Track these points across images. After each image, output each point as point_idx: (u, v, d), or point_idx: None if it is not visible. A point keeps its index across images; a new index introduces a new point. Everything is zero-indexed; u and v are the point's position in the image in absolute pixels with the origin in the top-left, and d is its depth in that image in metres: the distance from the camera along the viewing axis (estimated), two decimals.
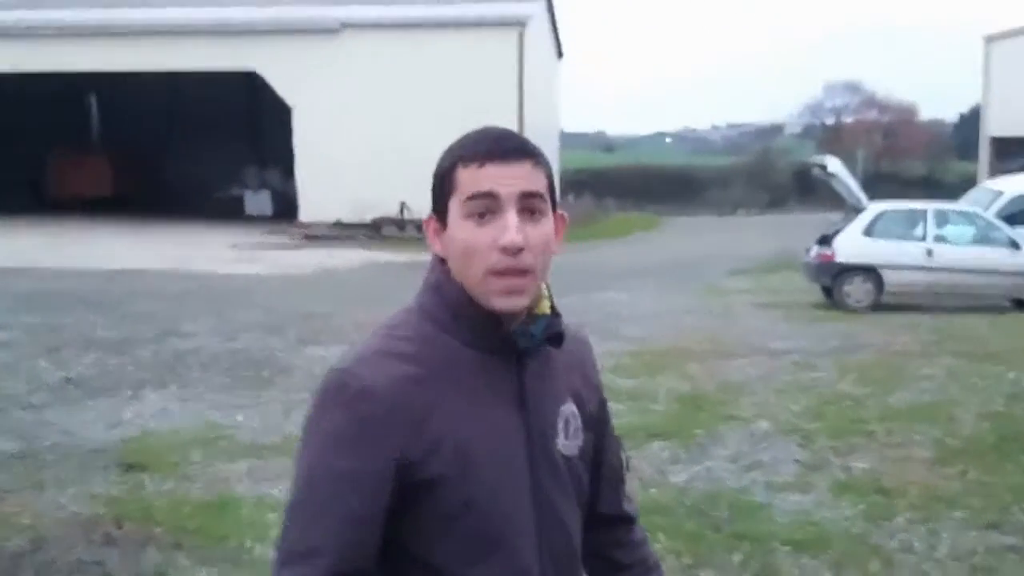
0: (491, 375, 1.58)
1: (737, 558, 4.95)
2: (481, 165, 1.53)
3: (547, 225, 1.56)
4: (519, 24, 27.52)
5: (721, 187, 48.56)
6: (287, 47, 27.57)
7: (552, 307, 1.63)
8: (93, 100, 33.43)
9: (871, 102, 57.51)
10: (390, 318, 1.64)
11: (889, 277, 14.39)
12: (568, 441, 1.65)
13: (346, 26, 27.61)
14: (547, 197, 1.57)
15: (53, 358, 9.69)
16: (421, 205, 25.76)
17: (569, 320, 1.73)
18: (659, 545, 5.06)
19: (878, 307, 14.21)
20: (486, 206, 1.52)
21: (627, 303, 14.59)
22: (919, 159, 53.95)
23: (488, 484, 1.54)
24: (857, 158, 34.23)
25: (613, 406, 6.68)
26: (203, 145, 34.64)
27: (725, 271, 20.12)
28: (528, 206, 1.53)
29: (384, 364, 1.53)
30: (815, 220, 23.43)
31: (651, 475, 6.29)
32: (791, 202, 46.18)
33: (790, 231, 26.00)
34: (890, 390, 8.54)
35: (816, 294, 15.28)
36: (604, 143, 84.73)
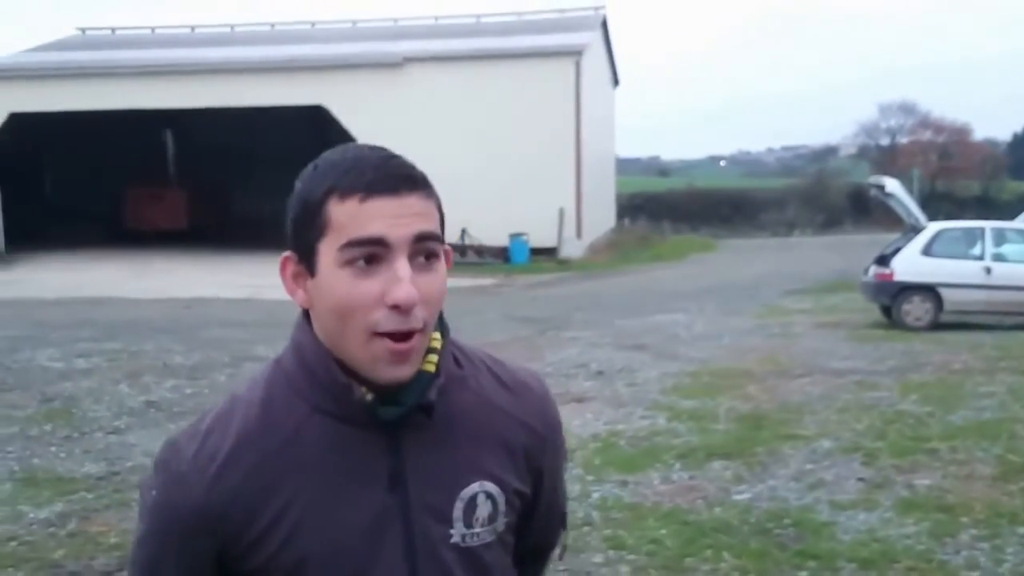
0: (353, 451, 1.24)
1: None
2: (363, 199, 1.17)
3: (441, 270, 1.24)
4: (576, 54, 27.59)
5: (776, 209, 48.21)
6: (352, 82, 27.91)
7: (437, 364, 1.28)
8: (169, 136, 34.08)
9: (925, 122, 56.84)
10: (253, 373, 1.36)
11: (948, 296, 14.15)
12: (471, 529, 1.29)
13: (408, 60, 27.90)
14: (440, 235, 1.24)
15: (134, 383, 9.86)
16: (481, 231, 26.03)
17: (516, 366, 1.44)
18: (725, 564, 5.02)
19: (937, 326, 13.97)
20: (370, 252, 1.17)
21: (685, 324, 14.50)
22: (974, 178, 53.14)
23: None
24: (912, 178, 33.79)
25: (674, 426, 6.67)
26: (274, 177, 34.89)
27: (782, 291, 19.92)
28: (422, 250, 1.20)
29: (207, 439, 1.25)
30: (871, 240, 23.13)
31: (715, 494, 6.23)
32: (846, 223, 45.72)
33: (846, 251, 25.70)
34: (952, 408, 8.40)
35: (875, 313, 15.06)
36: (659, 167, 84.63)
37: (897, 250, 14.74)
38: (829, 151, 66.96)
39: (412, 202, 1.20)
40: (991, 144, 60.13)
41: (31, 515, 5.88)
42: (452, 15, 34.13)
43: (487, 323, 14.45)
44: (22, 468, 6.93)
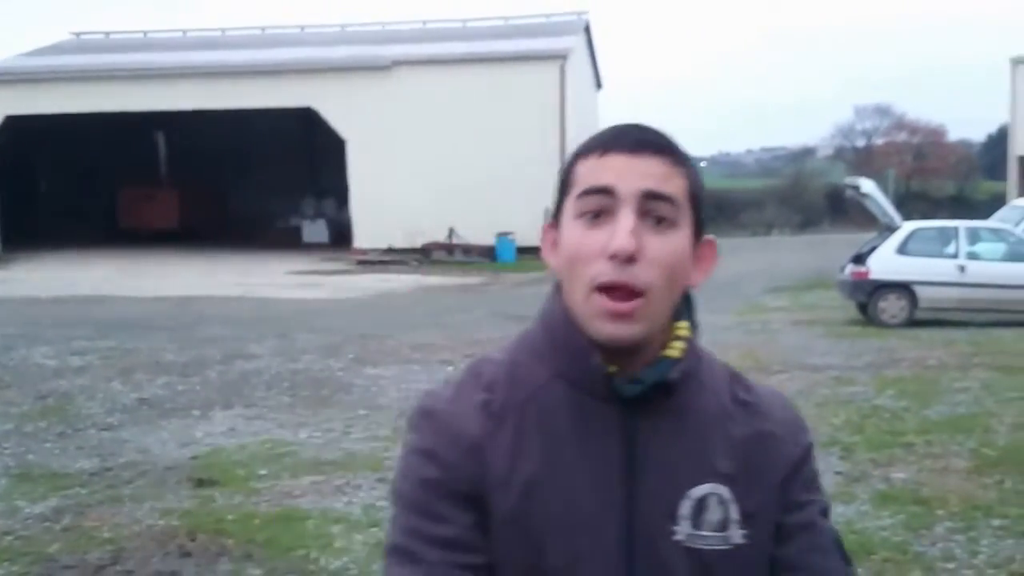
0: (589, 422, 1.20)
1: None
2: (602, 155, 1.18)
3: (677, 240, 1.18)
4: (560, 57, 27.62)
5: (755, 209, 48.31)
6: (342, 85, 27.87)
7: (684, 351, 1.22)
8: (162, 137, 33.99)
9: (901, 124, 57.09)
10: (502, 344, 1.34)
11: (923, 293, 14.21)
12: (699, 531, 1.19)
13: (397, 64, 27.87)
14: (684, 207, 1.18)
15: (127, 380, 9.83)
16: (468, 230, 26.05)
17: (758, 383, 1.34)
18: None
19: (912, 323, 14.03)
20: (600, 204, 1.16)
21: None
22: (948, 179, 53.43)
23: (561, 550, 1.18)
24: (888, 179, 33.92)
25: None
26: (263, 178, 35.13)
27: (762, 289, 19.97)
28: (653, 210, 1.16)
29: (461, 389, 1.25)
30: (847, 239, 23.20)
31: None
32: (824, 223, 45.86)
33: (824, 250, 25.77)
34: (927, 403, 8.43)
35: (852, 311, 15.11)
36: None
37: (873, 249, 14.80)
38: (806, 152, 67.11)
39: (650, 162, 1.17)
40: (965, 145, 60.35)
41: (26, 510, 5.86)
42: (439, 19, 34.09)
43: (475, 320, 14.45)
44: (17, 464, 6.90)
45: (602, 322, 1.16)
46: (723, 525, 1.20)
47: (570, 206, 1.20)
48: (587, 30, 33.39)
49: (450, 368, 10.33)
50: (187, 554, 5.13)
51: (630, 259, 1.13)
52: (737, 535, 1.20)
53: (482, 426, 1.20)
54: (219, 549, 5.19)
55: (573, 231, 1.18)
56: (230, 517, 5.70)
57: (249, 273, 23.35)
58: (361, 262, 26.49)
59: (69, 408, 8.65)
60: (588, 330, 1.17)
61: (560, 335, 1.22)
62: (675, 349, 1.22)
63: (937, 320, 14.17)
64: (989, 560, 4.94)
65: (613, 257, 1.13)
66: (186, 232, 31.88)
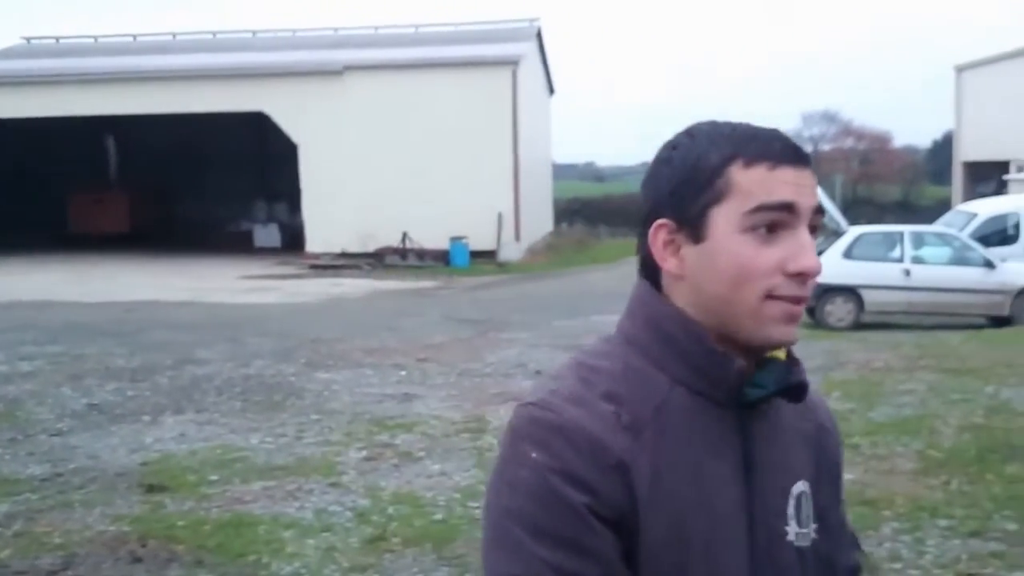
0: (710, 428, 1.19)
1: None
2: (773, 167, 1.16)
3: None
4: (512, 63, 27.67)
5: None
6: (293, 89, 27.70)
7: (789, 352, 1.24)
8: (111, 141, 33.57)
9: (847, 130, 57.96)
10: (586, 349, 1.27)
11: (869, 297, 14.42)
12: (802, 529, 1.24)
13: (348, 68, 27.75)
14: None
15: (77, 386, 9.68)
16: (422, 235, 25.99)
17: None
18: None
19: (859, 326, 14.22)
20: (777, 219, 1.15)
21: None
22: (894, 184, 54.23)
23: (705, 568, 1.16)
24: (835, 184, 34.34)
25: None
26: (215, 182, 34.84)
27: None
28: (814, 223, 1.19)
29: (582, 399, 1.15)
30: None
31: None
32: None
33: None
34: (873, 405, 8.54)
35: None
36: (594, 173, 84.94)
37: (820, 253, 14.95)
38: None
39: (809, 176, 1.18)
40: (911, 151, 61.35)
41: None
42: (391, 25, 33.91)
43: (428, 324, 14.41)
44: None
45: (778, 326, 1.16)
46: (809, 521, 1.25)
47: (731, 219, 1.15)
48: (539, 36, 33.50)
49: (403, 372, 10.31)
50: (138, 560, 5.08)
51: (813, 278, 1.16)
52: (814, 530, 1.25)
53: (622, 441, 1.13)
54: (169, 555, 5.14)
55: (741, 246, 1.15)
56: (181, 523, 5.65)
57: (200, 277, 23.11)
58: (314, 266, 26.32)
59: (19, 414, 8.51)
60: (754, 334, 1.16)
61: (685, 340, 1.19)
62: (781, 353, 1.23)
63: (883, 323, 14.38)
64: (935, 560, 5.01)
65: (799, 275, 1.14)
66: (136, 237, 31.48)
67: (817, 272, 1.15)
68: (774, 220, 1.14)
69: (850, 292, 14.42)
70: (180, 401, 9.10)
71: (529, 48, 30.79)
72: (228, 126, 31.61)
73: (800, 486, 1.24)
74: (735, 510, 1.18)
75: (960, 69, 38.09)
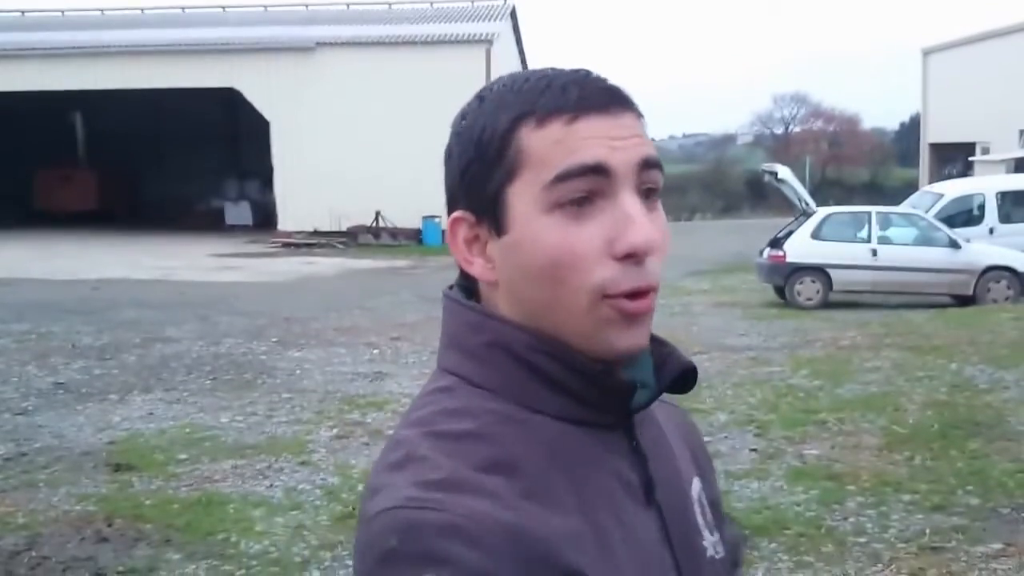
0: (608, 460, 0.92)
1: None
2: (571, 120, 0.86)
3: (662, 213, 0.92)
4: (486, 42, 27.54)
5: (678, 194, 48.77)
6: (265, 65, 27.44)
7: (652, 334, 0.94)
8: (79, 117, 33.14)
9: (817, 112, 58.26)
10: (425, 413, 0.92)
11: (837, 276, 14.49)
12: (713, 537, 1.01)
13: (321, 45, 27.54)
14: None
15: (43, 365, 9.58)
16: (394, 213, 25.82)
17: None
18: None
19: (827, 305, 14.30)
20: (589, 187, 0.86)
21: None
22: (863, 166, 54.59)
23: None
24: (804, 165, 34.51)
25: None
26: (185, 159, 34.50)
27: (683, 272, 20.16)
28: (646, 182, 0.89)
29: (462, 480, 0.83)
30: (767, 225, 23.56)
31: None
32: (744, 208, 46.50)
33: (743, 235, 26.14)
34: (840, 382, 8.60)
35: (769, 293, 15.36)
36: None
37: (789, 233, 15.07)
38: (727, 139, 68.05)
39: (628, 121, 0.89)
40: (879, 133, 61.73)
41: None
42: (364, 1, 33.61)
43: (401, 303, 14.38)
44: None
45: (618, 332, 0.88)
46: (712, 524, 1.03)
47: (529, 198, 0.87)
48: (513, 15, 33.33)
49: (375, 351, 10.27)
50: (104, 539, 5.03)
51: (647, 255, 0.87)
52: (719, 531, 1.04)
53: (533, 518, 0.83)
54: (137, 534, 5.10)
55: (548, 230, 0.86)
56: (148, 502, 5.60)
57: (170, 256, 22.91)
58: (286, 245, 26.18)
59: None
60: (593, 346, 0.88)
61: (548, 365, 0.89)
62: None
63: (851, 302, 14.48)
64: (899, 534, 5.06)
65: (629, 257, 0.86)
66: (104, 214, 31.17)
67: (652, 246, 0.86)
68: (586, 189, 0.85)
69: (819, 271, 14.49)
70: (148, 380, 9.02)
71: (503, 27, 30.64)
72: (199, 102, 31.28)
73: (696, 486, 1.02)
74: (660, 546, 0.93)
75: (927, 52, 38.30)
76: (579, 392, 0.89)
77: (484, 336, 0.92)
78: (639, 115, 0.91)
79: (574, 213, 0.86)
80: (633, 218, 0.85)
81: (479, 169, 0.90)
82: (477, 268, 0.92)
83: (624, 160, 0.86)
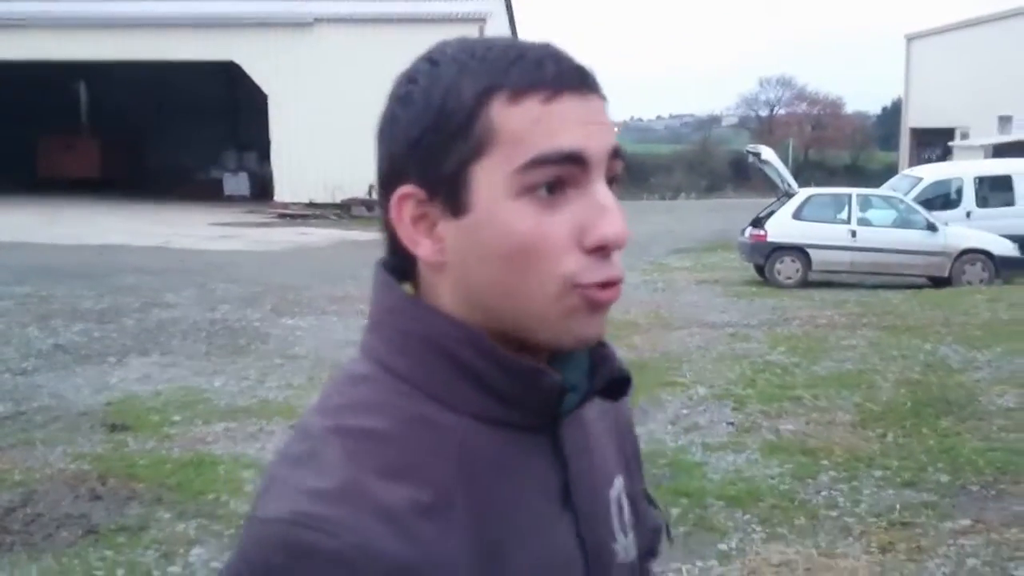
0: (527, 465, 0.85)
1: (675, 512, 4.97)
2: (548, 100, 0.79)
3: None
4: (480, 20, 27.38)
5: (664, 174, 48.69)
6: (264, 39, 27.26)
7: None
8: (82, 87, 32.86)
9: (801, 96, 58.01)
10: (339, 399, 0.84)
11: (816, 256, 14.50)
12: (626, 539, 0.94)
13: (319, 20, 27.35)
14: None
15: (43, 327, 9.52)
16: None
17: None
18: None
19: (806, 284, 14.31)
20: (561, 174, 0.79)
21: None
22: (845, 149, 54.51)
23: None
24: (788, 147, 34.46)
25: None
26: (185, 130, 34.29)
27: (668, 250, 20.18)
28: (612, 173, 0.83)
29: (359, 491, 0.75)
30: (750, 204, 23.54)
31: None
32: (728, 188, 46.45)
33: (727, 214, 26.14)
34: (816, 359, 8.60)
35: (750, 272, 15.35)
36: None
37: (771, 213, 15.06)
38: (713, 120, 67.91)
39: (601, 107, 0.82)
40: (862, 117, 61.60)
41: None
42: None
43: None
44: None
45: (584, 320, 0.81)
46: (629, 525, 0.96)
47: (499, 178, 0.78)
48: None
49: (366, 320, 10.23)
50: (97, 497, 5.01)
51: (619, 248, 0.81)
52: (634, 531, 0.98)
53: (431, 536, 0.76)
54: (129, 493, 5.08)
55: (518, 216, 0.78)
56: (142, 462, 5.58)
57: (170, 224, 22.79)
58: (282, 215, 26.07)
59: None
60: (556, 336, 0.82)
61: (473, 360, 0.82)
62: None
63: (829, 282, 14.49)
64: (870, 508, 5.07)
65: (600, 249, 0.80)
66: (106, 182, 30.94)
67: (623, 241, 0.80)
68: (557, 176, 0.79)
69: (798, 251, 14.49)
70: (146, 343, 8.98)
71: (497, 6, 30.48)
72: (199, 75, 31.06)
73: (617, 485, 0.95)
74: (574, 550, 0.87)
75: (910, 38, 38.22)
76: (507, 392, 0.83)
77: (415, 327, 0.84)
78: (604, 98, 0.84)
79: (545, 200, 0.79)
80: (608, 209, 0.80)
81: (437, 141, 0.81)
82: (424, 249, 0.83)
83: (598, 148, 0.80)
